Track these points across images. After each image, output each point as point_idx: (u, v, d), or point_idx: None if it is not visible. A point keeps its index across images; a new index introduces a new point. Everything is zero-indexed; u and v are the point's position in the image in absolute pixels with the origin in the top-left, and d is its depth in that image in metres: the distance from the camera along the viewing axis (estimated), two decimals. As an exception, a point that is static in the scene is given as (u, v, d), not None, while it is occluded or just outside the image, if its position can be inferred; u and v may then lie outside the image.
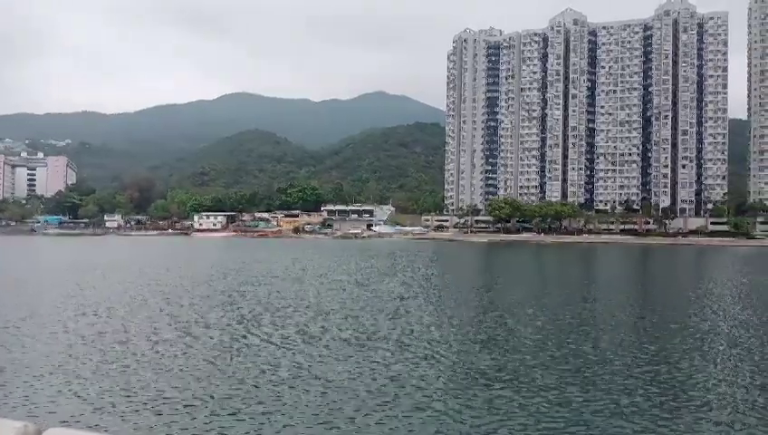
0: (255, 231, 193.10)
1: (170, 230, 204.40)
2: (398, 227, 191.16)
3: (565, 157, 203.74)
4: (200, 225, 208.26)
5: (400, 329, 23.42)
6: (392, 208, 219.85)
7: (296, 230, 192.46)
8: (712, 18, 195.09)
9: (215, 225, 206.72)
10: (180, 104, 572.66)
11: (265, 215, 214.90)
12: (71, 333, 22.30)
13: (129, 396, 14.59)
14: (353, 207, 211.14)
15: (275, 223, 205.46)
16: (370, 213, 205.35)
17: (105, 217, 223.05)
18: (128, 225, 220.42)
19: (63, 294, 33.31)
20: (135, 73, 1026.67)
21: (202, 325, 24.11)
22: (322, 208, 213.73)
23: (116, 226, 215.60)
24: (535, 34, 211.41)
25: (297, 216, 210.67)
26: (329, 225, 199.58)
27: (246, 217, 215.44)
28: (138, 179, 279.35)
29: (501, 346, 20.61)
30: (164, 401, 14.18)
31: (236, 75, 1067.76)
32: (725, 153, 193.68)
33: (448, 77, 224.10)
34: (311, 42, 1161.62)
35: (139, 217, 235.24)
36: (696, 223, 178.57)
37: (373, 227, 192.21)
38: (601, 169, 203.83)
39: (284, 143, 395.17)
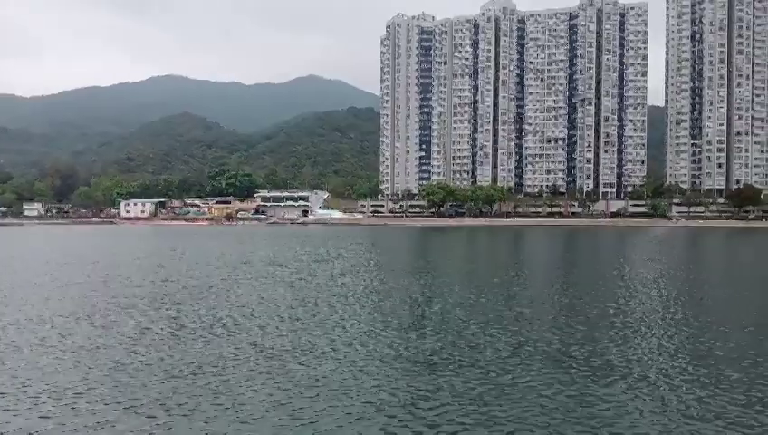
0: (186, 218, 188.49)
1: (95, 219, 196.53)
2: (333, 213, 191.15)
3: (495, 142, 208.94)
4: (127, 212, 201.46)
5: (335, 313, 23.75)
6: (328, 194, 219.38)
7: (229, 217, 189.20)
8: (633, 8, 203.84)
9: (143, 212, 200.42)
10: (104, 87, 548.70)
11: (197, 202, 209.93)
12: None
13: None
14: (288, 193, 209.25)
15: (207, 210, 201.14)
16: (306, 199, 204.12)
17: (24, 206, 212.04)
18: (49, 214, 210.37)
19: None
20: (54, 55, 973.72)
21: (126, 321, 23.62)
22: (256, 195, 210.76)
23: (36, 214, 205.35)
24: (467, 21, 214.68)
25: (230, 202, 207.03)
26: (263, 211, 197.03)
27: (176, 204, 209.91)
28: (59, 166, 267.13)
29: (435, 328, 21.27)
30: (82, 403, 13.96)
31: (163, 57, 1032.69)
32: (644, 139, 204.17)
33: (382, 62, 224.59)
34: (242, 24, 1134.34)
35: (62, 205, 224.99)
36: (617, 205, 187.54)
37: (309, 213, 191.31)
38: (530, 154, 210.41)
39: (215, 128, 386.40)
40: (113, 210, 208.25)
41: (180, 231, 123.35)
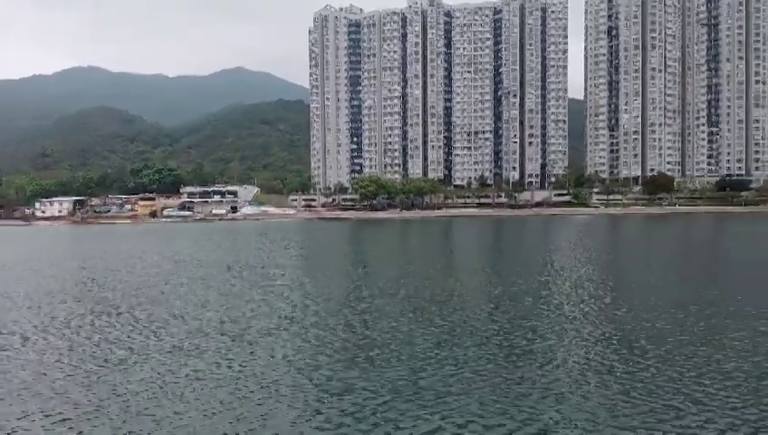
0: (107, 217, 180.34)
1: (8, 220, 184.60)
2: (264, 208, 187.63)
3: (425, 135, 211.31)
4: (43, 212, 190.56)
5: (273, 313, 23.23)
6: (257, 189, 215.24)
7: (153, 214, 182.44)
8: (554, 4, 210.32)
9: (60, 211, 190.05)
10: (14, 80, 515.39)
11: (119, 198, 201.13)
12: None
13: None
14: (215, 188, 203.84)
15: (130, 207, 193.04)
16: (234, 194, 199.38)
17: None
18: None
19: None
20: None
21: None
22: (182, 190, 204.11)
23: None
24: (395, 14, 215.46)
25: (154, 199, 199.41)
26: (189, 208, 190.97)
27: (96, 201, 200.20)
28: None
29: (369, 322, 21.13)
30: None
31: (79, 49, 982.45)
32: (566, 130, 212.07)
33: (310, 54, 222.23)
34: (163, 14, 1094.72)
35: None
36: (541, 195, 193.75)
37: (238, 209, 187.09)
38: (458, 147, 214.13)
39: (137, 121, 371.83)
40: (28, 210, 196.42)
41: (98, 231, 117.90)
